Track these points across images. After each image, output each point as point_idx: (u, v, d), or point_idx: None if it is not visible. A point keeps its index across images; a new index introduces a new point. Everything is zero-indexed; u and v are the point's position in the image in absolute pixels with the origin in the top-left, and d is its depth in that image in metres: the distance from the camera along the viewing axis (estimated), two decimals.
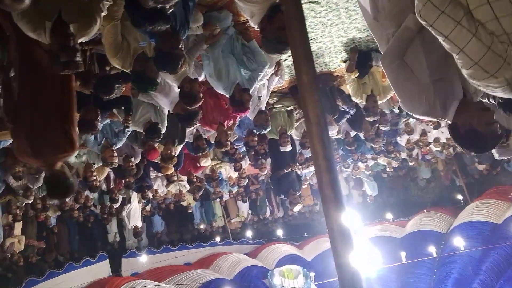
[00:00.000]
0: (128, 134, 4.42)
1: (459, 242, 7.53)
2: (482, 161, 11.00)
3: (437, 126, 7.02)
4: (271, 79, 4.07)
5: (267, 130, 4.27)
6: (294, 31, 1.05)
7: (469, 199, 11.09)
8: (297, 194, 5.69)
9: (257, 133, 4.46)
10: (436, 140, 8.00)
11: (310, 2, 3.39)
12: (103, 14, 2.23)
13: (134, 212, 8.62)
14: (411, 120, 6.79)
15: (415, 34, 2.05)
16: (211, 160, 6.65)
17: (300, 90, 1.04)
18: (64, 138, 2.37)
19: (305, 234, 14.02)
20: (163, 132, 4.04)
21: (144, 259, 9.29)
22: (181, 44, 2.51)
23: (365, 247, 7.62)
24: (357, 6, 3.60)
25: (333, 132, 5.64)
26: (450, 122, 2.02)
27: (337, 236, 0.91)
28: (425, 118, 2.40)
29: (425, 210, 10.51)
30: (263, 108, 4.16)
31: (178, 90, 3.13)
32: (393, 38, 2.13)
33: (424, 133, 7.38)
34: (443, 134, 8.09)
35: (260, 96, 4.10)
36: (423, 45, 2.03)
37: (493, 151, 3.40)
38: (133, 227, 8.85)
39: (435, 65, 2.01)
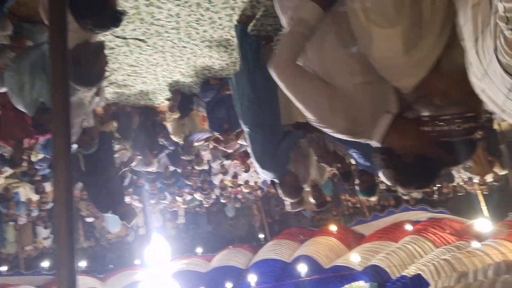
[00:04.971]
0: None
1: (252, 278, 8.23)
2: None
3: (247, 170, 7.74)
4: (92, 100, 3.91)
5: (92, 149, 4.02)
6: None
7: (269, 237, 12.31)
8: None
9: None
10: (246, 182, 8.77)
11: (136, 39, 3.45)
12: None
13: None
14: (225, 162, 7.32)
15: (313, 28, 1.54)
16: (7, 178, 5.85)
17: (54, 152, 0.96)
18: None
19: (111, 266, 13.27)
20: None
21: None
22: None
23: (165, 283, 7.63)
24: (182, 53, 3.84)
25: (150, 169, 5.64)
26: (376, 145, 1.58)
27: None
28: (346, 137, 1.65)
29: (230, 246, 11.18)
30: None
31: None
32: (286, 36, 1.65)
33: (235, 175, 8.01)
34: (253, 177, 8.95)
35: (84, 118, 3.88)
36: (338, 38, 1.57)
37: None
38: None
39: (355, 63, 1.54)
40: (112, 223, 10.24)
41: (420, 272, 6.36)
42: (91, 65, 2.42)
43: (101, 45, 2.53)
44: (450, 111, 1.34)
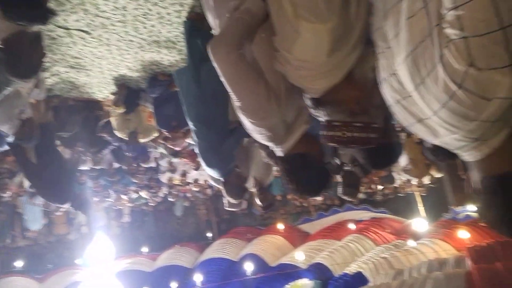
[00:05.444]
0: None
1: (198, 277, 8.17)
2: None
3: (197, 168, 7.67)
4: (32, 92, 3.72)
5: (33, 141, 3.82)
6: None
7: (217, 236, 12.28)
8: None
9: None
10: (196, 181, 8.70)
11: (80, 30, 3.32)
12: None
13: None
14: (174, 160, 7.21)
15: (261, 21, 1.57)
16: None
17: None
18: None
19: (50, 266, 12.65)
20: None
21: None
22: None
23: (108, 282, 7.40)
24: (129, 47, 3.73)
25: (85, 168, 5.46)
26: (280, 153, 1.63)
27: None
28: (260, 136, 1.68)
29: (177, 245, 11.02)
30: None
31: None
32: (230, 21, 1.64)
33: (184, 173, 7.92)
34: (202, 176, 8.88)
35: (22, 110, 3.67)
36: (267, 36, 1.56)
37: None
38: None
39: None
40: (32, 220, 9.71)
41: (361, 270, 6.59)
42: (27, 56, 2.30)
43: (38, 36, 2.41)
44: (354, 119, 1.40)
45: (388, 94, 1.21)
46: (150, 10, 3.18)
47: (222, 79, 1.62)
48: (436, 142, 1.13)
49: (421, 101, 1.04)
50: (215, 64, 1.58)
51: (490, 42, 0.83)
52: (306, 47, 1.32)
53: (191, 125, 3.12)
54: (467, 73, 0.88)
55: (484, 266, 4.44)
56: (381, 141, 1.40)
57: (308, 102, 1.55)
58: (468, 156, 1.06)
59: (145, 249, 12.22)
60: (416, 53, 1.01)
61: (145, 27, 3.41)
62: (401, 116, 1.20)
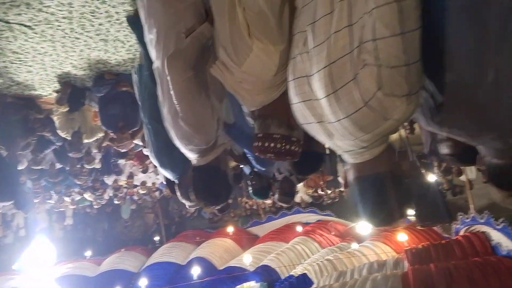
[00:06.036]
0: None
1: (143, 282, 8.00)
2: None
3: (145, 170, 7.52)
4: None
5: None
6: None
7: (165, 240, 12.07)
8: None
9: None
10: (143, 183, 8.52)
11: (21, 25, 3.17)
12: None
13: None
14: (120, 161, 7.02)
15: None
16: None
17: None
18: None
19: None
20: None
21: None
22: None
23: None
24: (75, 44, 3.61)
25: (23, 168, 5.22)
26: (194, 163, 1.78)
27: None
28: (186, 147, 1.80)
29: (122, 249, 10.72)
30: None
31: None
32: (189, 40, 1.70)
33: (131, 176, 7.74)
34: (151, 178, 8.72)
35: None
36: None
37: None
38: None
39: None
40: None
41: (306, 272, 6.76)
42: None
43: None
44: (291, 133, 1.51)
45: (294, 92, 1.32)
46: (98, 8, 3.10)
47: (172, 92, 1.71)
48: (328, 143, 1.31)
49: (328, 108, 1.18)
50: (168, 78, 1.69)
51: (396, 74, 1.03)
52: (256, 64, 1.40)
53: (145, 123, 3.06)
54: (375, 94, 1.06)
55: (418, 267, 4.72)
56: (308, 151, 1.50)
57: (247, 112, 1.67)
58: (351, 158, 1.28)
59: (88, 253, 11.78)
60: (334, 66, 1.14)
61: (92, 25, 3.32)
62: (300, 113, 1.33)
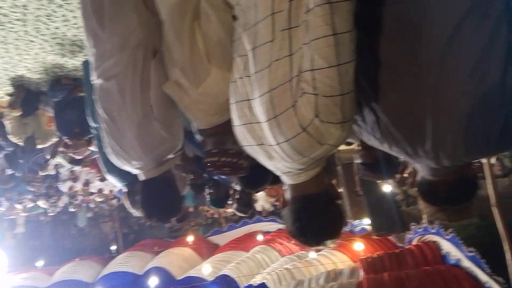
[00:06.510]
0: None
1: None
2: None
3: (103, 179, 7.31)
4: None
5: None
6: None
7: (122, 249, 11.74)
8: None
9: None
10: (100, 191, 8.28)
11: None
12: None
13: None
14: (76, 168, 6.81)
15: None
16: None
17: None
18: None
19: None
20: None
21: None
22: None
23: None
24: (29, 47, 3.50)
25: None
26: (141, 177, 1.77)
27: None
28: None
29: (77, 259, 10.33)
30: None
31: None
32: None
33: (87, 183, 7.51)
34: (108, 186, 8.49)
35: None
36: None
37: None
38: None
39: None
40: None
41: (264, 281, 6.76)
42: None
43: None
44: (236, 149, 1.55)
45: (236, 115, 1.37)
46: (54, 11, 3.03)
47: (151, 94, 1.69)
48: (268, 164, 1.36)
49: (269, 132, 1.23)
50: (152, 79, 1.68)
51: (332, 103, 1.10)
52: (213, 87, 1.46)
53: (93, 127, 2.96)
54: (312, 121, 1.12)
55: (373, 276, 4.84)
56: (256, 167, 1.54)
57: (196, 130, 1.71)
58: (288, 179, 1.34)
59: (40, 263, 11.25)
60: (275, 92, 1.18)
61: (48, 29, 3.23)
62: (242, 136, 1.38)
